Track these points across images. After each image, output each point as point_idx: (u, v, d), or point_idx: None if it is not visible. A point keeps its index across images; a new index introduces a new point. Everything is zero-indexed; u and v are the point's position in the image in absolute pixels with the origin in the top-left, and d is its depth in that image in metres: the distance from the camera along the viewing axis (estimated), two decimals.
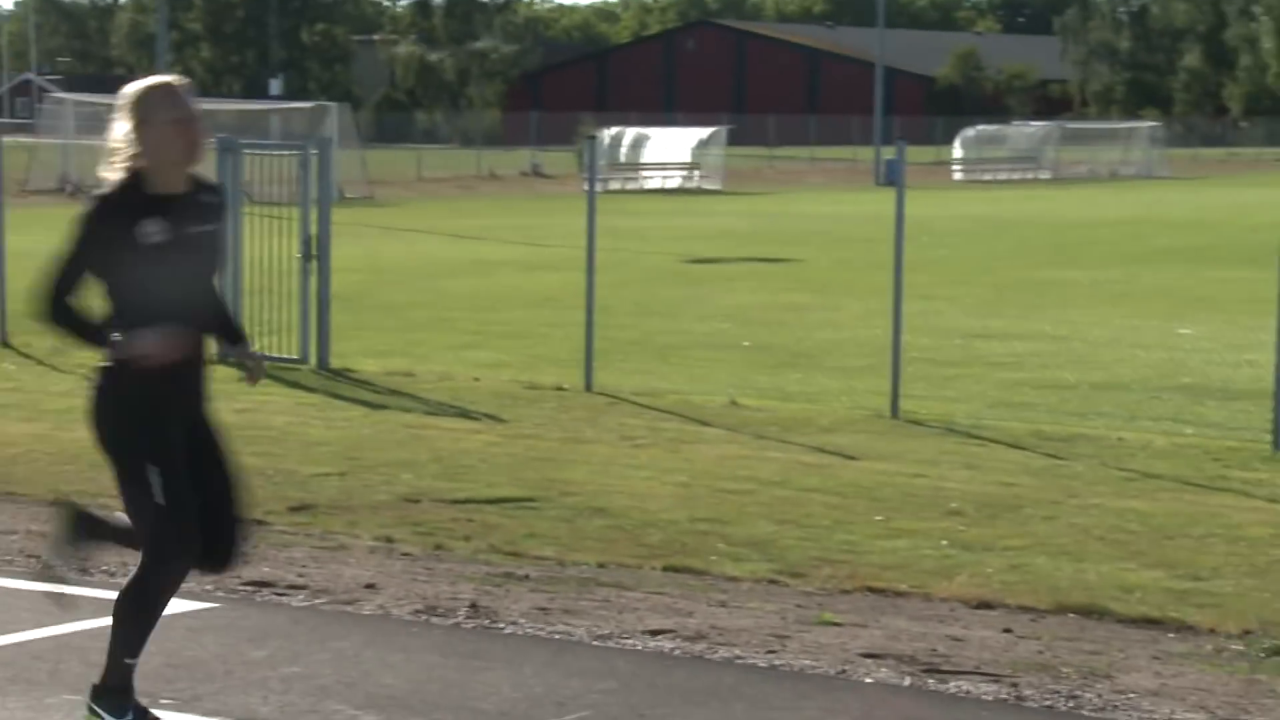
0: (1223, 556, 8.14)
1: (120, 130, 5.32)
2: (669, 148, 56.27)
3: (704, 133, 56.91)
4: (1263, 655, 6.60)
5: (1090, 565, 7.99)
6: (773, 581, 7.69)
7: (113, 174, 5.30)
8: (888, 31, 63.70)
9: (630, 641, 6.65)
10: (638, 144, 56.12)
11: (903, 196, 12.68)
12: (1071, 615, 7.22)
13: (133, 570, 5.37)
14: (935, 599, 7.42)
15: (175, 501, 5.23)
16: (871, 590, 7.54)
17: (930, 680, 6.24)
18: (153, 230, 5.25)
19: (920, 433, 11.66)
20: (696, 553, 8.15)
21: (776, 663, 6.42)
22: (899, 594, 7.51)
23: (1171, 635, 6.93)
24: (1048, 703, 6.04)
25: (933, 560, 8.07)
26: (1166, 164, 68.60)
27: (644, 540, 8.39)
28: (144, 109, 5.28)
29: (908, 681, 6.23)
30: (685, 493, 9.52)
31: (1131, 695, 6.12)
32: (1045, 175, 63.81)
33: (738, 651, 6.53)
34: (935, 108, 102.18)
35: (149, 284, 5.26)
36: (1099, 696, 6.10)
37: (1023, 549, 8.28)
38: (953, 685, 6.19)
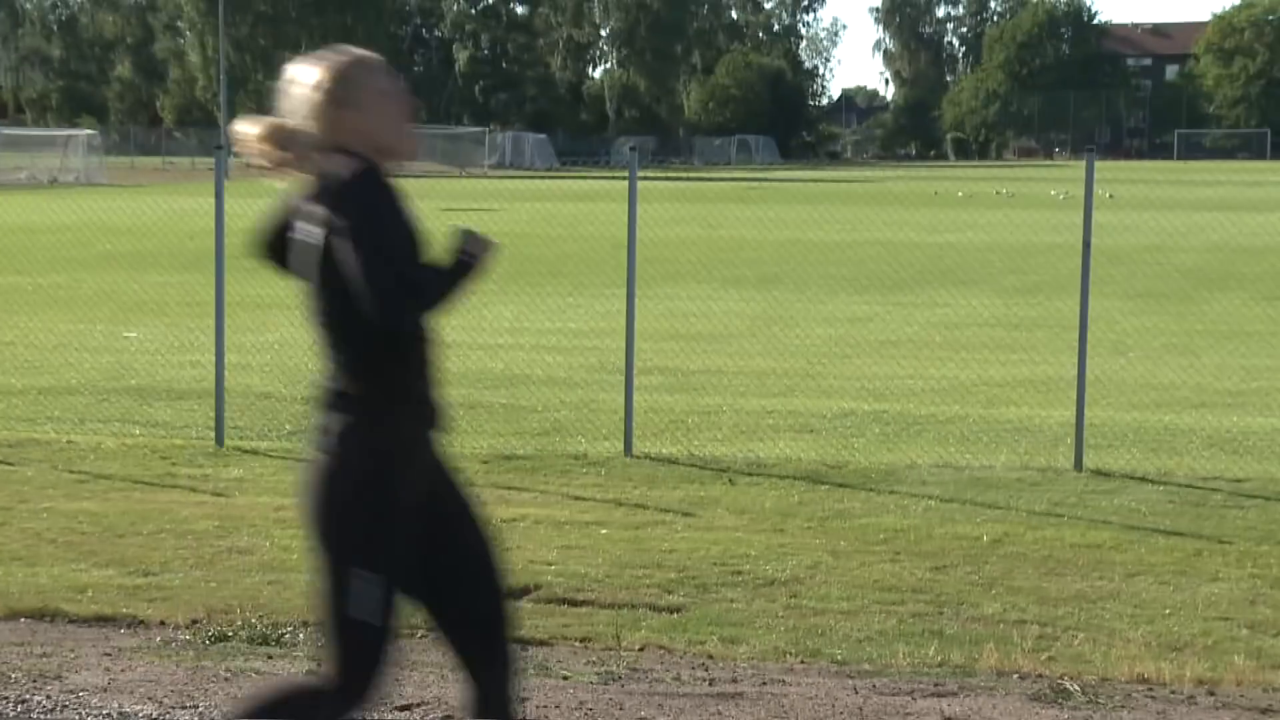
0: (172, 551, 8.24)
1: (309, 116, 4.12)
2: None
3: None
4: (209, 643, 6.73)
5: (43, 569, 7.83)
6: None
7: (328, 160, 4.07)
8: None
9: None
10: None
11: None
12: (24, 620, 7.05)
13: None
14: None
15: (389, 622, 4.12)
16: None
17: None
18: (415, 217, 4.11)
19: None
20: None
21: None
22: None
23: (123, 631, 6.93)
24: None
25: None
26: (105, 171, 68.43)
27: None
28: (348, 88, 4.12)
29: None
30: None
31: (82, 693, 6.06)
32: None
33: None
34: None
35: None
36: (49, 698, 5.98)
37: None
38: None
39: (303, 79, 4.17)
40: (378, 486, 4.08)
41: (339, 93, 4.11)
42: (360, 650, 4.10)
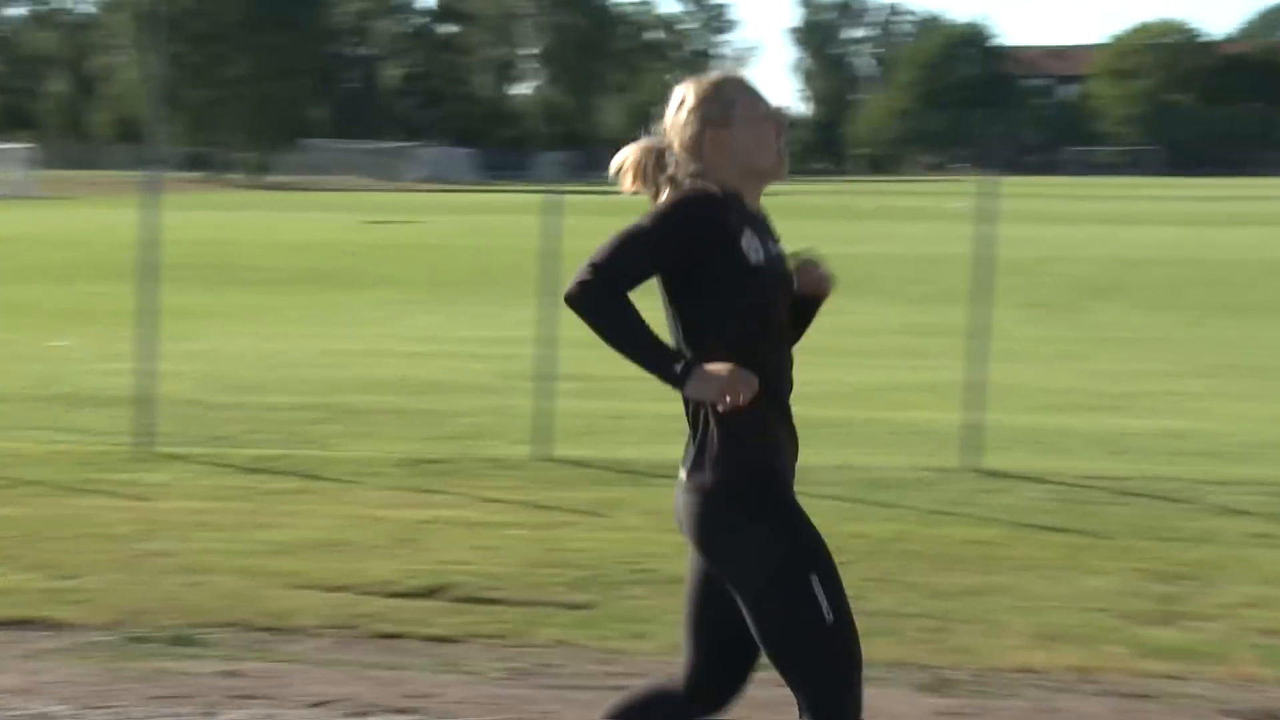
0: (93, 554, 8.12)
1: (681, 136, 3.97)
2: None
3: None
4: (127, 643, 6.66)
5: None
6: None
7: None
8: None
9: None
10: None
11: None
12: None
13: None
14: None
15: (845, 616, 3.80)
16: None
17: None
18: (753, 247, 3.88)
19: None
20: None
21: None
22: None
23: (43, 633, 6.82)
24: None
25: None
26: (39, 185, 67.64)
27: None
28: (721, 107, 3.94)
29: None
30: None
31: (1, 696, 5.97)
32: None
33: None
34: None
35: (745, 316, 3.91)
36: None
37: None
38: None
39: (682, 98, 4.05)
40: (765, 487, 3.85)
41: (715, 112, 3.99)
42: (844, 654, 3.84)
